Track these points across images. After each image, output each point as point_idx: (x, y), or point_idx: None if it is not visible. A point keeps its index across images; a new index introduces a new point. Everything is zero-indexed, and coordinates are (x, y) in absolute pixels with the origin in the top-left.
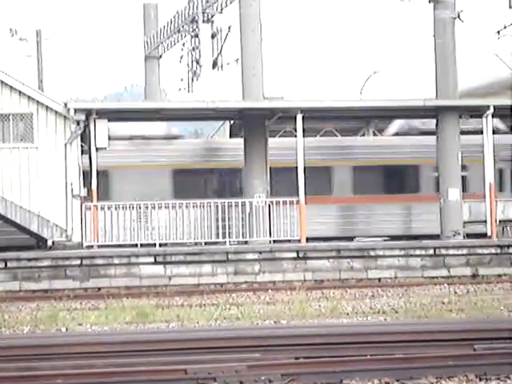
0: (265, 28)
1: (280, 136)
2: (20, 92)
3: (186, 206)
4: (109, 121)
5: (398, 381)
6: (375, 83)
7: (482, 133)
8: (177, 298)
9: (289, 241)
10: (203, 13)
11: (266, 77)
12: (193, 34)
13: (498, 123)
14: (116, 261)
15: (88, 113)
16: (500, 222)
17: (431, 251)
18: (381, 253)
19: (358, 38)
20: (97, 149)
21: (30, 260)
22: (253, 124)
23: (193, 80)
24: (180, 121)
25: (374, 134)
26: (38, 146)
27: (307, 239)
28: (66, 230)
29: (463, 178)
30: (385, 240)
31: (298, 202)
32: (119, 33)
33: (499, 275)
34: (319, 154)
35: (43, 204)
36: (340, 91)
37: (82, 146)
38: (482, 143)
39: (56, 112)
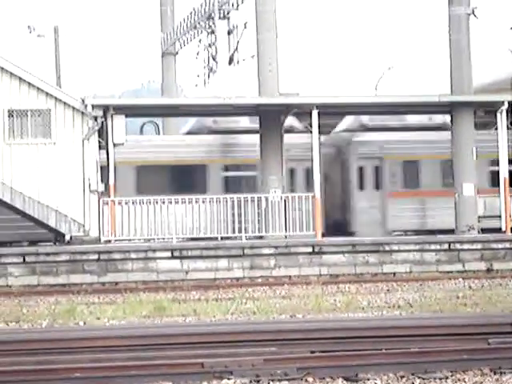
0: (280, 24)
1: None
2: (38, 88)
3: (203, 201)
4: (126, 117)
5: (413, 374)
6: (390, 79)
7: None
8: (193, 292)
9: (304, 236)
10: (219, 9)
11: (281, 73)
12: (209, 30)
13: (295, 122)
14: (133, 255)
15: (105, 109)
16: None
17: (446, 246)
18: (396, 247)
19: (372, 33)
20: (114, 144)
21: (48, 255)
22: (268, 120)
23: (209, 76)
24: (196, 116)
25: None
26: (56, 141)
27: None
28: (83, 225)
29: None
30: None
31: (313, 197)
32: (136, 29)
33: None
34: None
35: (61, 199)
36: (355, 87)
37: (99, 142)
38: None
39: (74, 108)
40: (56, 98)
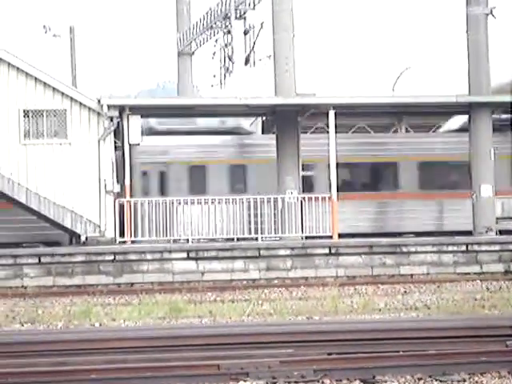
0: (297, 24)
1: (312, 132)
2: (54, 88)
3: (219, 202)
4: (142, 117)
5: (430, 377)
6: (407, 79)
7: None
8: (209, 293)
9: (320, 237)
10: (236, 9)
11: (298, 73)
12: (225, 30)
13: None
14: (149, 256)
15: (121, 109)
16: None
17: (463, 247)
18: (413, 249)
19: (390, 33)
20: (130, 145)
21: (63, 255)
22: (285, 120)
23: (225, 76)
24: (212, 117)
25: (407, 131)
26: (72, 142)
27: None
28: (99, 226)
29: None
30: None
31: (330, 198)
32: (152, 29)
33: None
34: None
35: (76, 200)
36: (372, 88)
37: (115, 142)
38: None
39: (89, 108)
40: (72, 98)
